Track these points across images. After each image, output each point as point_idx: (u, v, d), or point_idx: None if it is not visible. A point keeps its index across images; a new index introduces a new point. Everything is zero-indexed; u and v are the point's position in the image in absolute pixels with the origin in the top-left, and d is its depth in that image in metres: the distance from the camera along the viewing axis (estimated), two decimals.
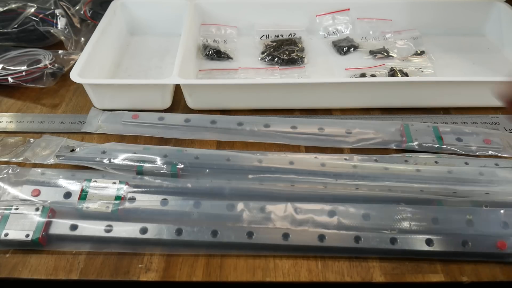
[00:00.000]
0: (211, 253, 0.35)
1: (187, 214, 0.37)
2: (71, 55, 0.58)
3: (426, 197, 0.39)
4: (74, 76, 0.46)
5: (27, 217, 0.35)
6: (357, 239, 0.35)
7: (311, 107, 0.51)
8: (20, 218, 0.35)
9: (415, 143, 0.44)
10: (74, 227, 0.36)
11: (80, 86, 0.51)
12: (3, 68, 0.53)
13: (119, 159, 0.41)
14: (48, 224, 0.35)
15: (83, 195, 0.38)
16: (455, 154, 0.44)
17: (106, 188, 0.38)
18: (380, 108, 0.51)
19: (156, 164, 0.41)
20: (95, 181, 0.39)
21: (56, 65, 0.55)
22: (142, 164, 0.41)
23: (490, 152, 0.44)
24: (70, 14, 0.61)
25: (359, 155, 0.43)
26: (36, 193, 0.38)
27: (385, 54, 0.60)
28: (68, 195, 0.38)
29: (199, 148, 0.45)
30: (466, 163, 0.42)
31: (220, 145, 0.46)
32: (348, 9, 0.63)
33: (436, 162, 0.42)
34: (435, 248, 0.35)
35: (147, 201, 0.38)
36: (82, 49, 0.51)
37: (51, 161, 0.42)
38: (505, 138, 0.45)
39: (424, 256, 0.35)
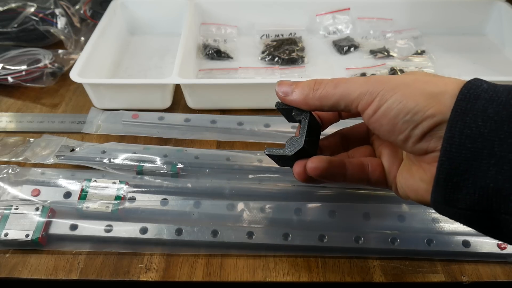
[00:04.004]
0: (211, 253, 0.35)
1: (187, 214, 0.37)
2: (71, 54, 0.57)
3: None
4: (74, 75, 0.46)
5: (27, 217, 0.35)
6: (357, 239, 0.35)
7: None
8: (20, 218, 0.35)
9: None
10: (74, 227, 0.35)
11: (80, 86, 0.51)
12: (2, 68, 0.53)
13: (119, 159, 0.41)
14: (48, 224, 0.35)
15: (83, 195, 0.38)
16: None
17: (106, 188, 0.38)
18: None
19: (156, 164, 0.41)
20: (95, 181, 0.38)
21: (56, 64, 0.55)
22: (142, 164, 0.41)
23: None
24: (70, 13, 0.61)
25: None
26: (36, 193, 0.38)
27: (386, 53, 0.60)
28: (68, 195, 0.38)
29: (199, 148, 0.44)
30: None
31: (220, 145, 0.46)
32: (349, 9, 0.63)
33: None
34: (435, 247, 0.35)
35: (147, 201, 0.38)
36: (82, 49, 0.51)
37: (51, 160, 0.42)
38: None
39: (424, 255, 0.35)
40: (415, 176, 0.26)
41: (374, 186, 0.31)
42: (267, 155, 0.31)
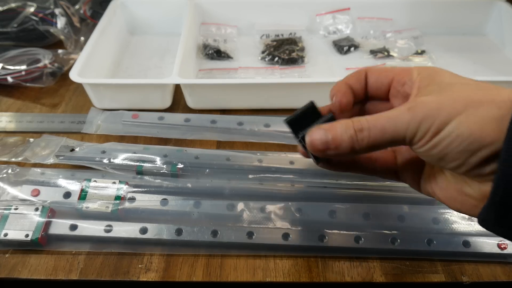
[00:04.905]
0: (211, 253, 0.35)
1: (187, 214, 0.37)
2: (70, 54, 0.57)
3: (428, 196, 0.39)
4: (74, 75, 0.46)
5: (26, 217, 0.35)
6: (357, 239, 0.35)
7: None
8: (20, 218, 0.35)
9: None
10: (73, 227, 0.35)
11: (79, 86, 0.51)
12: (2, 68, 0.53)
13: (119, 159, 0.41)
14: (47, 224, 0.35)
15: (82, 195, 0.38)
16: None
17: (106, 188, 0.38)
18: None
19: (156, 164, 0.41)
20: (95, 181, 0.38)
21: (56, 64, 0.55)
22: (142, 164, 0.40)
23: None
24: (69, 13, 0.61)
25: None
26: (36, 193, 0.38)
27: (386, 53, 0.60)
28: (67, 195, 0.38)
29: (199, 148, 0.44)
30: None
31: (220, 145, 0.46)
32: (349, 9, 0.63)
33: None
34: (435, 248, 0.35)
35: (147, 201, 0.38)
36: (81, 49, 0.51)
37: (51, 161, 0.42)
38: None
39: (424, 256, 0.35)
40: (458, 188, 0.25)
41: (379, 175, 0.31)
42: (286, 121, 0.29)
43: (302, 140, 0.27)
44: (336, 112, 0.30)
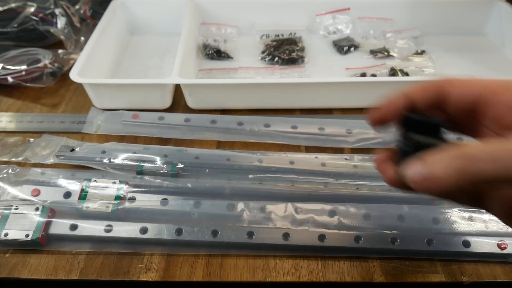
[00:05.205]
0: (211, 253, 0.35)
1: (187, 214, 0.37)
2: (70, 54, 0.57)
3: (427, 197, 0.39)
4: (74, 75, 0.46)
5: (27, 217, 0.35)
6: (357, 239, 0.35)
7: (312, 106, 0.51)
8: (20, 218, 0.35)
9: None
10: (74, 227, 0.35)
11: (80, 86, 0.51)
12: (2, 68, 0.53)
13: (119, 159, 0.41)
14: (48, 224, 0.35)
15: (83, 195, 0.38)
16: None
17: (106, 188, 0.38)
18: None
19: (156, 163, 0.41)
20: (95, 181, 0.38)
21: (56, 64, 0.55)
22: (142, 164, 0.41)
23: None
24: (70, 13, 0.61)
25: (360, 155, 0.43)
26: (36, 193, 0.38)
27: (386, 53, 0.60)
28: (68, 195, 0.38)
29: (199, 148, 0.44)
30: None
31: (220, 145, 0.46)
32: (349, 9, 0.63)
33: None
34: (435, 248, 0.35)
35: (147, 201, 0.38)
36: (82, 49, 0.51)
37: (51, 160, 0.42)
38: None
39: (424, 256, 0.35)
40: None
41: (457, 200, 0.26)
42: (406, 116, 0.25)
43: (402, 145, 0.24)
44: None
